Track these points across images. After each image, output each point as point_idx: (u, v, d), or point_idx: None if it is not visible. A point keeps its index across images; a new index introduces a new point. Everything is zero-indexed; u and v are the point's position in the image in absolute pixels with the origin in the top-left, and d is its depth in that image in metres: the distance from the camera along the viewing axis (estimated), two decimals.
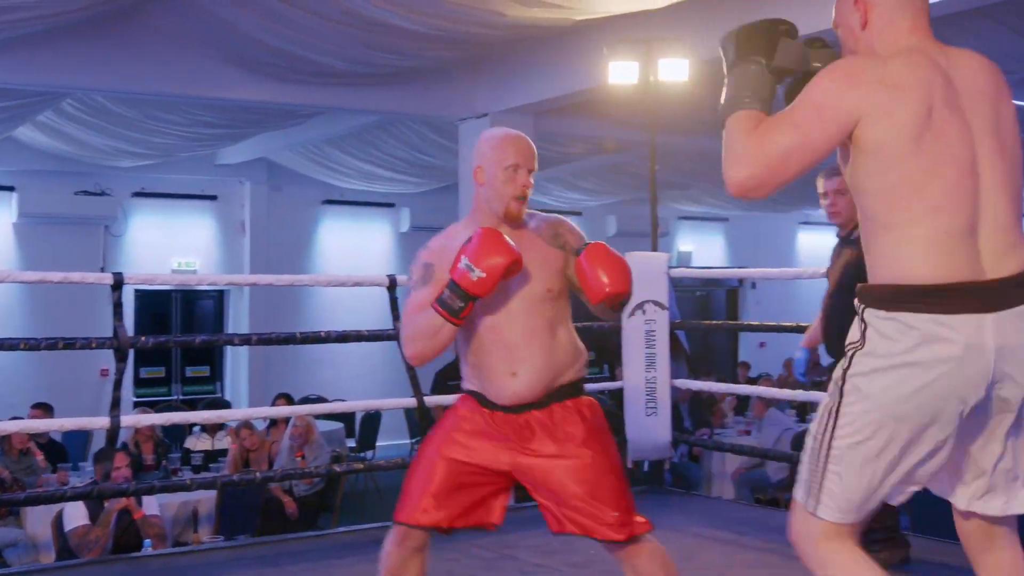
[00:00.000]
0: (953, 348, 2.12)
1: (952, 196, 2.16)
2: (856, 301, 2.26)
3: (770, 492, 8.29)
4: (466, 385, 3.07)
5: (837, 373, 2.25)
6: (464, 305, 2.80)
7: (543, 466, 2.91)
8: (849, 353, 2.24)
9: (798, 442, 7.43)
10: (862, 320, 2.23)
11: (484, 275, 2.76)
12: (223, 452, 8.11)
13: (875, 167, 2.19)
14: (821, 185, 4.46)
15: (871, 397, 2.17)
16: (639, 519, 2.92)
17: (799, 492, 2.30)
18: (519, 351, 2.93)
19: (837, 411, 2.22)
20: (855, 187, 2.27)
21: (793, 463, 6.62)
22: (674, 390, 6.17)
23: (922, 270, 2.15)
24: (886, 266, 2.21)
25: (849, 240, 4.36)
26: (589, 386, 10.24)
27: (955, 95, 2.20)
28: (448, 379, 8.83)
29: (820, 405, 2.30)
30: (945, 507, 2.43)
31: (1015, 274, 2.18)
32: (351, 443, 10.97)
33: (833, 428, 2.22)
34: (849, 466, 2.20)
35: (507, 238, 2.83)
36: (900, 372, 2.15)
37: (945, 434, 2.17)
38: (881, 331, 2.18)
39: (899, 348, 2.15)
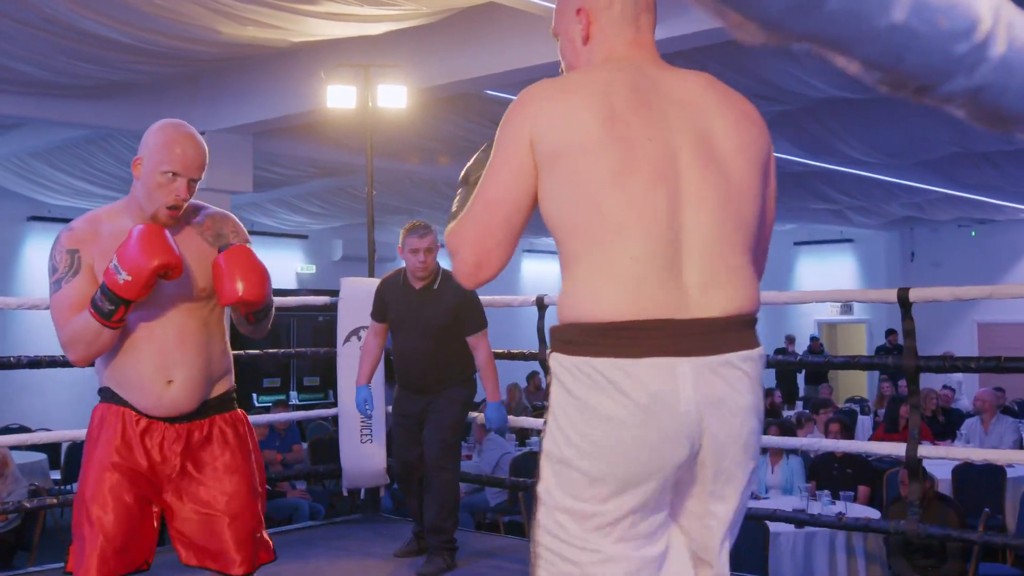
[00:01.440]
0: (635, 400, 1.75)
1: (641, 214, 1.79)
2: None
3: (489, 516, 8.37)
4: (111, 388, 2.83)
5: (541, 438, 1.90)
6: (115, 308, 2.63)
7: (189, 499, 2.82)
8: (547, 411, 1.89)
9: (516, 466, 7.57)
10: (549, 367, 1.88)
11: (130, 278, 2.59)
12: None
13: (553, 184, 1.84)
14: (412, 243, 4.71)
15: (563, 461, 1.80)
16: (265, 549, 2.91)
17: None
18: (173, 354, 2.78)
19: (536, 485, 1.87)
20: (546, 220, 1.89)
21: (510, 487, 6.71)
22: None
23: (605, 305, 1.78)
24: (568, 304, 1.84)
25: (431, 290, 4.81)
26: (309, 413, 9.90)
27: (646, 102, 1.85)
28: None
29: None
30: None
31: (723, 315, 1.82)
32: (56, 475, 10.34)
33: (536, 506, 1.86)
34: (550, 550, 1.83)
35: (168, 238, 2.66)
36: (587, 429, 1.77)
37: (644, 510, 1.80)
38: (563, 381, 1.82)
39: (582, 401, 1.78)
